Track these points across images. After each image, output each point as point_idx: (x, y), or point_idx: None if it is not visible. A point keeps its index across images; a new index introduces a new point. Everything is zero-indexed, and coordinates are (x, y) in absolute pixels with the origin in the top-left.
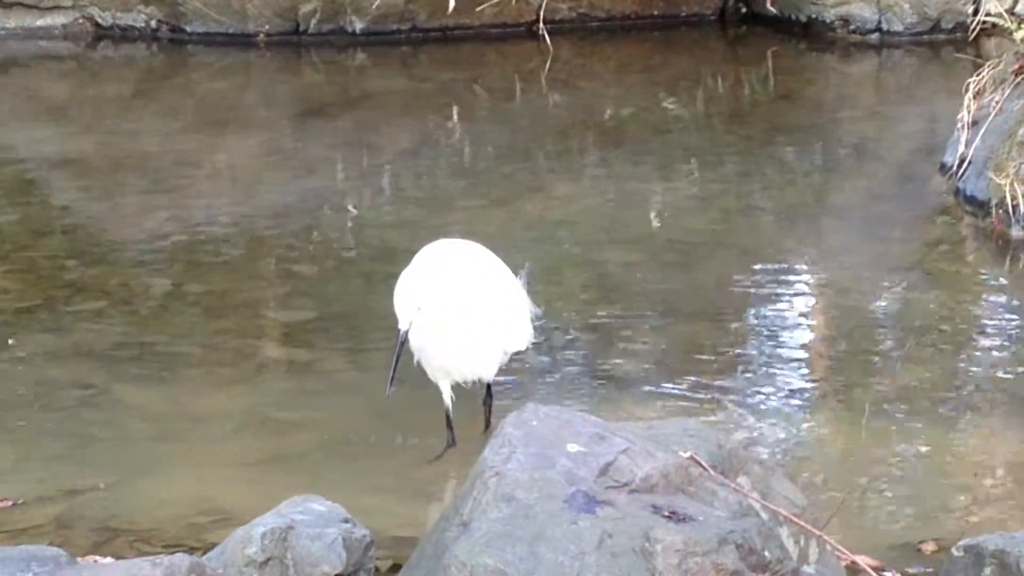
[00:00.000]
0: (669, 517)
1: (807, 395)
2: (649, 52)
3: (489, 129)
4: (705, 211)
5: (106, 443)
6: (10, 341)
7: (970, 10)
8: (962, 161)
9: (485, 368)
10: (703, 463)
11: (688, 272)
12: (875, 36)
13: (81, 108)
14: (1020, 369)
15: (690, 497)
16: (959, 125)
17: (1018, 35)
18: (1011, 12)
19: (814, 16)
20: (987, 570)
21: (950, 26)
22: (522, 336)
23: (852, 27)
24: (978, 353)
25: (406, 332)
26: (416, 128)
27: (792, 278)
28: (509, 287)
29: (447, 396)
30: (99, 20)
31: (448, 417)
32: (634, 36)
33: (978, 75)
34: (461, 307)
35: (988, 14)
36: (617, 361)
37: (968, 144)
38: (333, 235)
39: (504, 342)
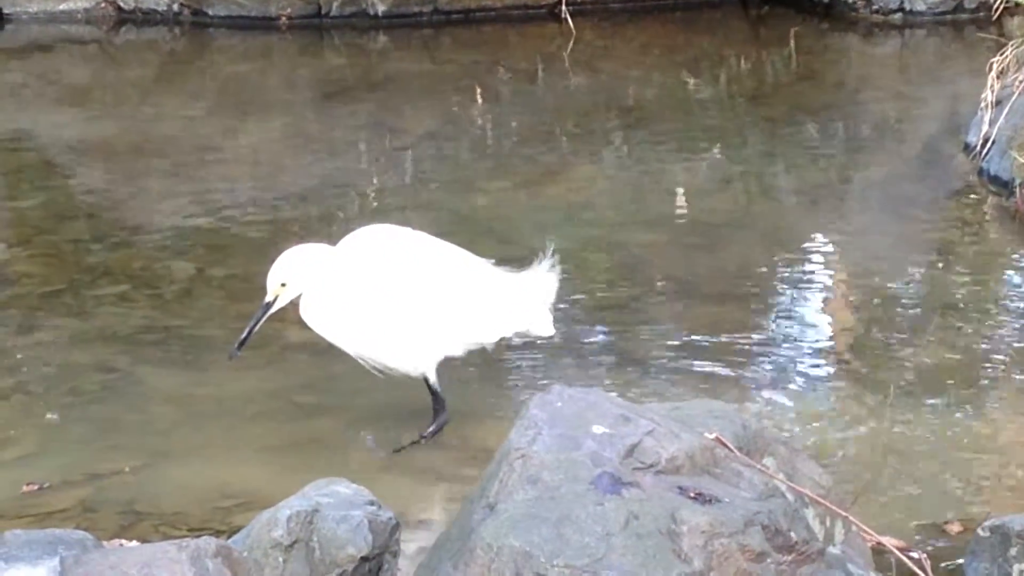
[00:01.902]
0: (695, 498)
1: (831, 375)
2: (671, 33)
3: (512, 111)
4: (728, 192)
5: (131, 427)
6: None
7: None
8: (986, 141)
9: (398, 360)
10: (728, 444)
11: (711, 253)
12: (898, 16)
13: (103, 92)
14: None
15: (716, 478)
16: (982, 105)
17: None
18: None
19: None
20: (1013, 550)
21: (973, 5)
22: (460, 336)
23: (875, 7)
24: (1002, 333)
25: (268, 304)
26: (438, 110)
27: (815, 259)
28: (434, 284)
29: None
30: (121, 4)
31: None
32: (656, 17)
33: (1001, 54)
34: (345, 292)
35: None
36: (641, 342)
37: (992, 124)
38: (356, 218)
39: (426, 337)
